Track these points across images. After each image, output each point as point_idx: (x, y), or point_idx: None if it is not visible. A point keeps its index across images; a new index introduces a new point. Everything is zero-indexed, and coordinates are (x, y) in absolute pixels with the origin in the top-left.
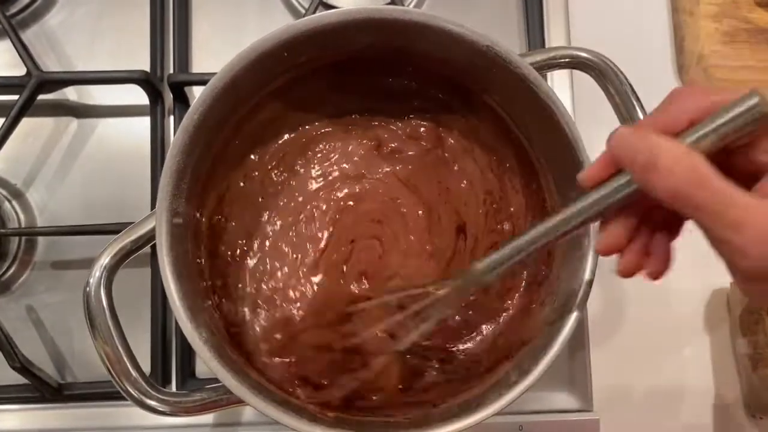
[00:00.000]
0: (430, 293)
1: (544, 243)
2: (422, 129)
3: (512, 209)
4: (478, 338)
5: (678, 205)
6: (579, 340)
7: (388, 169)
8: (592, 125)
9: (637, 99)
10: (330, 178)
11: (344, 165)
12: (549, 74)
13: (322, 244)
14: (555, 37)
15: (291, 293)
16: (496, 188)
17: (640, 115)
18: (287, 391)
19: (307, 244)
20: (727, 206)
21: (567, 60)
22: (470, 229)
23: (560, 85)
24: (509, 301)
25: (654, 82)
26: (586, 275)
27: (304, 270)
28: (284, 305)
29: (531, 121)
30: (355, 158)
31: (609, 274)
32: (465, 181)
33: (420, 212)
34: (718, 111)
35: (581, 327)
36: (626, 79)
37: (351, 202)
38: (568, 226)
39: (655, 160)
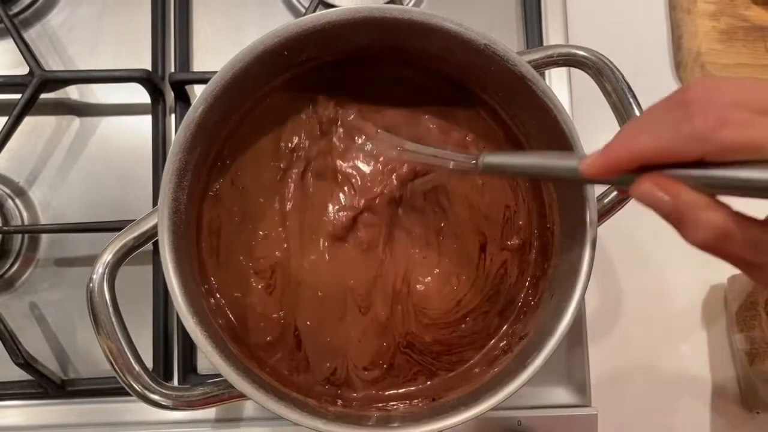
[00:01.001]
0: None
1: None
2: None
3: (521, 222)
4: (477, 334)
5: (711, 254)
6: (577, 335)
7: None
8: (589, 123)
9: (634, 97)
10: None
11: (348, 169)
12: (547, 72)
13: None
14: (553, 35)
15: (302, 293)
16: (511, 199)
17: (637, 113)
18: (287, 384)
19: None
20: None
21: (564, 58)
22: (489, 247)
23: (558, 84)
24: (510, 296)
25: (651, 79)
26: (584, 269)
27: (315, 274)
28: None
29: (529, 119)
30: (365, 163)
31: (607, 269)
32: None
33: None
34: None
35: (579, 322)
36: (623, 77)
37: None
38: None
39: (684, 221)
